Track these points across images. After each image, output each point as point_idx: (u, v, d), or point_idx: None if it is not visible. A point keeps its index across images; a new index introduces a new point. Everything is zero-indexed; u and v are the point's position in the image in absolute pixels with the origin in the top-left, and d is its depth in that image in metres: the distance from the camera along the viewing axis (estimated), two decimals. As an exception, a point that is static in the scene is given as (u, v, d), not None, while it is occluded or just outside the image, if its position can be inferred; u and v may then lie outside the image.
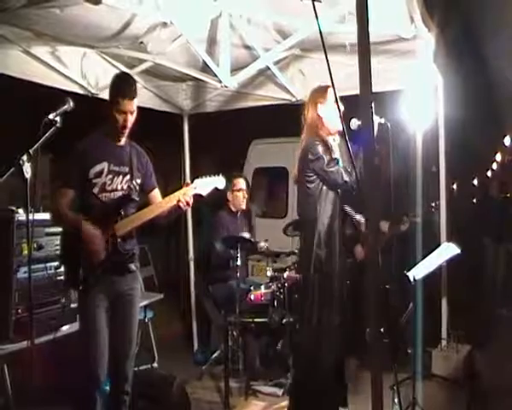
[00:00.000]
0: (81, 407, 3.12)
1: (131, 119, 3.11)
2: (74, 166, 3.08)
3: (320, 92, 3.58)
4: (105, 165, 3.10)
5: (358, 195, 3.57)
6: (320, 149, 3.49)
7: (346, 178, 3.43)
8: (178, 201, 3.13)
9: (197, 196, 3.24)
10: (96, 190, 3.07)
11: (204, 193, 3.25)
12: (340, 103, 3.53)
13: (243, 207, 5.38)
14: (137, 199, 3.24)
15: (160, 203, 3.23)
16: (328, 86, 3.53)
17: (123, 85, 3.12)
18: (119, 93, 3.05)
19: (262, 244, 5.10)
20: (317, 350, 3.46)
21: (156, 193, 3.38)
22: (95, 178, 3.07)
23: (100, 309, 3.06)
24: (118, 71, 4.24)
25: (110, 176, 3.12)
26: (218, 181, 3.29)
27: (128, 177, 3.19)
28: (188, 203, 3.16)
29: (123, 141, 3.21)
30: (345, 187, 3.50)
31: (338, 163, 3.50)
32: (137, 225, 3.15)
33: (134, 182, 3.22)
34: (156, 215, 3.17)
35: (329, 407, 3.56)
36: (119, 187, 3.16)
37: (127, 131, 3.14)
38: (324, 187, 3.52)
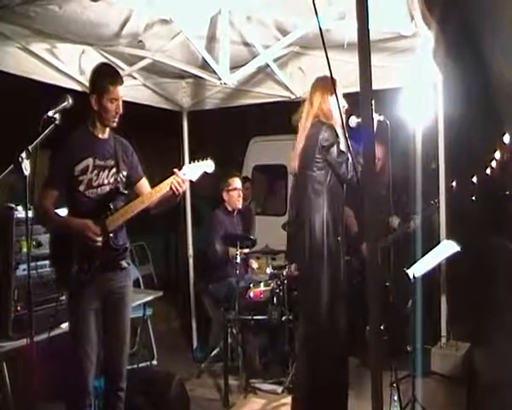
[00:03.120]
0: None
1: (121, 105, 3.10)
2: (58, 165, 3.07)
3: (329, 82, 3.50)
4: (90, 161, 3.07)
5: (355, 191, 3.56)
6: (332, 136, 3.42)
7: (352, 172, 3.38)
8: (171, 186, 3.08)
9: (191, 183, 3.21)
10: (82, 188, 3.05)
11: (194, 178, 3.22)
12: (343, 100, 3.55)
13: (239, 206, 5.38)
14: (126, 192, 3.21)
15: (150, 193, 3.17)
16: (335, 80, 3.46)
17: (110, 73, 3.12)
18: (109, 81, 3.04)
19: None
20: (320, 346, 3.45)
21: (144, 183, 3.33)
22: (80, 176, 3.04)
23: (89, 313, 3.05)
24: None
25: (96, 171, 3.09)
26: (207, 165, 3.25)
27: (114, 170, 3.16)
28: (181, 186, 3.10)
29: (106, 134, 3.18)
30: (351, 182, 3.45)
31: (345, 155, 3.42)
32: (129, 217, 3.11)
33: (120, 175, 3.18)
34: (147, 206, 3.13)
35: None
36: (106, 181, 3.13)
37: (117, 118, 3.12)
38: (333, 177, 3.46)
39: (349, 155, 3.36)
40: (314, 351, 3.46)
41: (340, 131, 3.48)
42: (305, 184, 3.51)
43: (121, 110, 3.11)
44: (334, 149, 3.41)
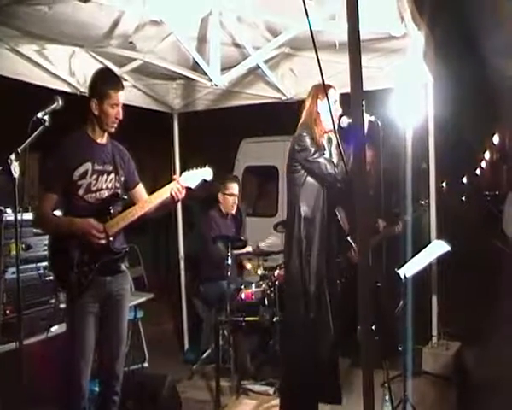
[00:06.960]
0: None
1: (121, 111, 3.12)
2: (57, 169, 3.05)
3: (322, 88, 3.56)
4: (89, 165, 3.07)
5: (346, 192, 3.58)
6: (308, 140, 3.51)
7: (330, 169, 3.44)
8: (171, 193, 3.11)
9: (186, 189, 3.22)
10: (81, 192, 3.04)
11: (193, 185, 3.23)
12: (337, 105, 3.58)
13: (233, 211, 5.38)
14: (125, 197, 3.22)
15: (150, 199, 3.19)
16: (331, 86, 3.54)
17: (112, 78, 3.14)
18: (110, 86, 3.05)
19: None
20: (307, 347, 3.47)
21: (140, 189, 3.36)
22: (79, 180, 3.03)
23: (88, 317, 3.03)
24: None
25: (95, 176, 3.08)
26: (206, 173, 3.28)
27: (112, 175, 3.17)
28: (180, 193, 3.14)
29: (105, 139, 3.18)
30: (329, 179, 3.49)
31: (323, 155, 3.51)
32: (129, 222, 3.12)
33: (119, 180, 3.20)
34: (146, 211, 3.14)
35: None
36: (105, 186, 3.13)
37: (116, 123, 3.13)
38: (308, 178, 3.53)
39: (342, 157, 3.40)
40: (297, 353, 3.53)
41: (327, 138, 3.62)
42: (289, 186, 3.66)
43: (121, 116, 3.12)
44: (307, 151, 3.50)
